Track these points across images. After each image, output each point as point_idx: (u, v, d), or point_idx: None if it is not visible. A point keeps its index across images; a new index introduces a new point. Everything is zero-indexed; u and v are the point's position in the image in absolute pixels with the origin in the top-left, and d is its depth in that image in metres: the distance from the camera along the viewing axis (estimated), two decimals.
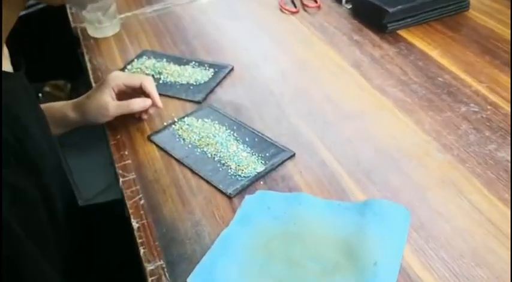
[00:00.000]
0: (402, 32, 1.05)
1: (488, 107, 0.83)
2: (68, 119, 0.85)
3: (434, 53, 0.98)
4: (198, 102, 0.90)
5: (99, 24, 1.14)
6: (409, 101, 0.87)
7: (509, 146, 0.75)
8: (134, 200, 0.73)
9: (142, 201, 0.73)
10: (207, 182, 0.75)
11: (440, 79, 0.91)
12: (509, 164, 0.72)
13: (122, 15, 1.22)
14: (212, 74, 0.98)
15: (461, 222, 0.65)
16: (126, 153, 0.82)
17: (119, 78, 0.84)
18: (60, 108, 0.85)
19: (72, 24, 1.22)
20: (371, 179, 0.73)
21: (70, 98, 0.89)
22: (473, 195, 0.69)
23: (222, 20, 1.19)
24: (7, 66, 0.67)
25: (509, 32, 1.01)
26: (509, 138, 0.77)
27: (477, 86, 0.88)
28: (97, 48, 1.12)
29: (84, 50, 1.12)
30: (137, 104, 0.83)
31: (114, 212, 0.83)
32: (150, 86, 0.85)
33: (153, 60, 1.04)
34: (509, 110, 0.82)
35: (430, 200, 0.69)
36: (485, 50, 0.97)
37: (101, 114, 0.83)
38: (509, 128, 0.78)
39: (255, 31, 1.13)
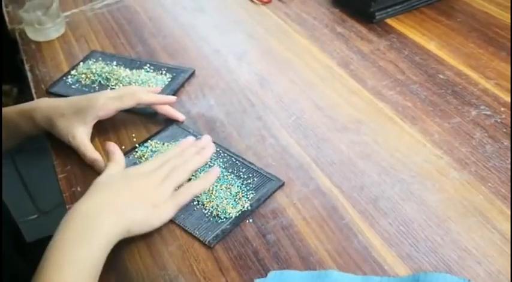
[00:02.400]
0: (391, 21, 0.93)
1: (502, 109, 0.72)
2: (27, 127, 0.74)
3: (431, 46, 0.86)
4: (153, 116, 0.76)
5: (40, 26, 0.97)
6: (411, 106, 0.74)
7: None
8: None
9: None
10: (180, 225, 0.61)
11: (441, 76, 0.79)
12: None
13: (67, 13, 1.05)
14: (169, 79, 0.84)
15: (495, 262, 0.54)
16: (79, 189, 0.67)
17: (107, 107, 0.72)
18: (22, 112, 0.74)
19: (9, 26, 1.05)
20: (379, 208, 0.60)
21: (17, 103, 0.75)
22: (503, 224, 0.57)
23: (185, 14, 1.03)
24: None
25: (510, 16, 0.89)
26: None
27: (485, 83, 0.77)
28: (39, 53, 0.95)
29: (24, 57, 0.95)
30: (90, 159, 0.70)
31: None
32: (149, 100, 0.74)
33: (101, 64, 0.88)
34: None
35: (453, 234, 0.57)
36: (488, 40, 0.85)
37: (64, 139, 0.72)
38: None
39: (224, 27, 0.98)
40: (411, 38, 0.88)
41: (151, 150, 0.70)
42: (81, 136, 0.71)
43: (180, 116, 0.75)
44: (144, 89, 0.78)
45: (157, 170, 0.63)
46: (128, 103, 0.73)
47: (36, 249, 0.95)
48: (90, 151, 0.70)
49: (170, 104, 0.76)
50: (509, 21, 0.88)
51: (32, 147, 1.34)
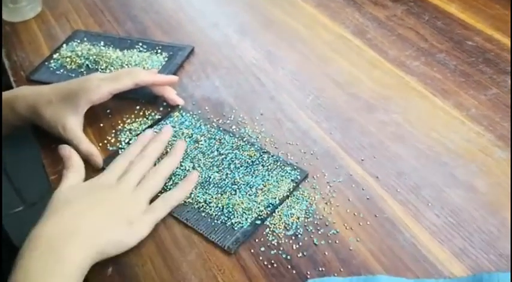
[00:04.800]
0: None
1: None
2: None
3: (453, 9, 0.78)
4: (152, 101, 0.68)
5: (14, 4, 0.86)
6: (440, 78, 0.67)
7: None
8: (96, 268, 0.51)
9: (109, 269, 0.50)
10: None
11: (470, 43, 0.72)
12: None
13: None
14: (166, 59, 0.74)
15: None
16: None
17: (101, 89, 0.62)
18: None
19: None
20: (422, 198, 0.53)
21: None
22: None
23: None
24: None
25: None
26: None
27: None
28: (15, 36, 0.85)
29: None
30: (86, 153, 0.61)
31: None
32: (149, 79, 0.65)
33: (87, 45, 0.78)
34: None
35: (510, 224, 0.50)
36: None
37: (53, 131, 0.62)
38: None
39: None
40: (430, 1, 0.80)
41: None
42: (72, 126, 0.61)
43: (179, 101, 0.67)
44: (140, 68, 0.69)
45: (124, 178, 0.54)
46: (125, 84, 0.63)
47: None
48: (85, 144, 0.61)
49: (172, 84, 0.67)
50: None
51: (10, 135, 1.24)
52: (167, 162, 0.57)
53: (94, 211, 0.51)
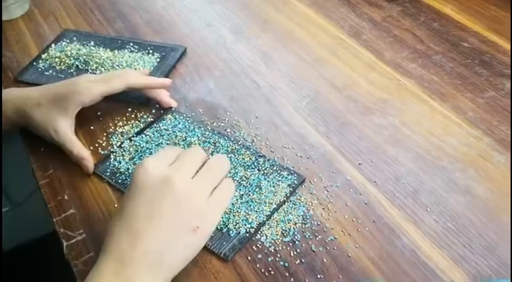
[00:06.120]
0: None
1: None
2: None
3: (449, 10, 0.77)
4: (144, 103, 0.66)
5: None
6: (437, 80, 0.66)
7: None
8: None
9: None
10: None
11: (465, 44, 0.71)
12: None
13: None
14: (158, 60, 0.73)
15: None
16: (66, 197, 0.57)
17: (92, 91, 0.60)
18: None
19: None
20: (421, 203, 0.53)
21: None
22: None
23: None
24: None
25: None
26: None
27: None
28: (2, 35, 0.82)
29: None
30: (78, 157, 0.59)
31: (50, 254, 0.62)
32: (141, 82, 0.63)
33: (76, 45, 0.77)
34: None
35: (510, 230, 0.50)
36: (508, 0, 0.77)
37: (44, 134, 0.60)
38: None
39: None
40: (425, 1, 0.79)
41: (145, 143, 0.60)
42: (64, 130, 0.60)
43: (173, 103, 0.65)
44: (132, 70, 0.67)
45: (205, 177, 0.47)
46: (116, 86, 0.61)
47: (14, 259, 0.87)
48: (78, 147, 0.59)
49: (165, 88, 0.66)
50: None
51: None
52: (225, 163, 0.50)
53: (151, 228, 0.44)
